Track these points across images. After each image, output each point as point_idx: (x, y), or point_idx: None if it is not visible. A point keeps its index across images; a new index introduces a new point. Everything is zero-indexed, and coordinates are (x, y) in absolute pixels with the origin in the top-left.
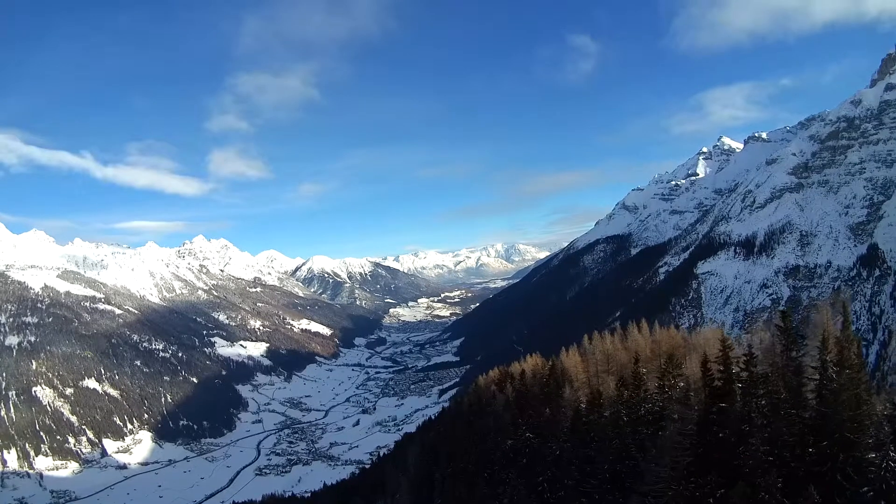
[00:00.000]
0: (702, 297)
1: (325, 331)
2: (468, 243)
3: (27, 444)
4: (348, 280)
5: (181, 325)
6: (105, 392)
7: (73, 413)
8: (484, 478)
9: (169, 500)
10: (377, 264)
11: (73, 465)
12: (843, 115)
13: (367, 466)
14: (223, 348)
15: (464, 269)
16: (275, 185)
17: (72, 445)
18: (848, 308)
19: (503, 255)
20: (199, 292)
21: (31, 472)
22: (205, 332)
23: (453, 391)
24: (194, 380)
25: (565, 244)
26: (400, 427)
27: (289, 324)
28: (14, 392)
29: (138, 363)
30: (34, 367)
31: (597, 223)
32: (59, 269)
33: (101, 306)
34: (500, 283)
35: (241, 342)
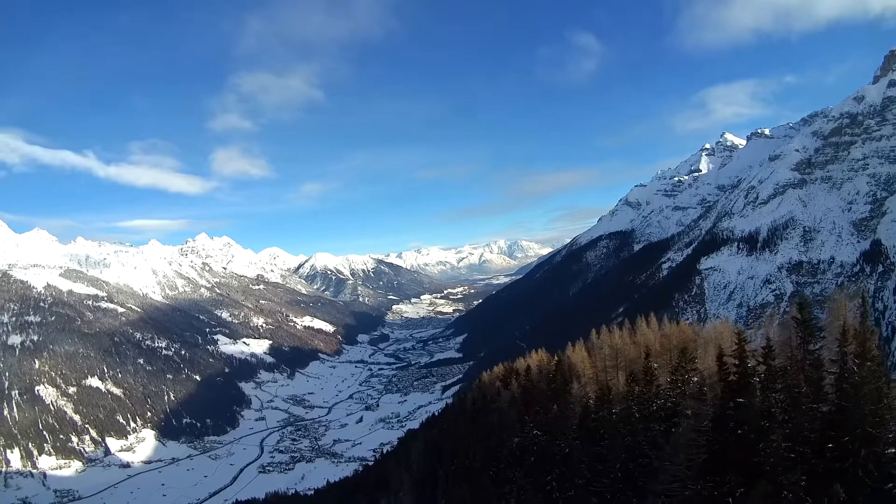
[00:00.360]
0: (705, 292)
1: (328, 328)
2: (471, 240)
3: (30, 444)
4: (351, 277)
5: (184, 323)
6: (108, 390)
7: (76, 412)
8: (489, 476)
9: (172, 499)
10: (380, 261)
11: (77, 465)
12: (846, 111)
13: (371, 463)
14: (226, 346)
15: (466, 265)
16: (277, 185)
17: (75, 444)
18: (867, 300)
19: (506, 252)
20: (202, 290)
21: (34, 471)
22: (207, 329)
23: (456, 387)
24: (197, 377)
25: (568, 240)
26: (403, 424)
27: (292, 321)
28: (17, 391)
29: (141, 361)
30: (37, 366)
31: (599, 219)
32: (61, 267)
33: (104, 305)
34: (502, 280)
35: (244, 339)
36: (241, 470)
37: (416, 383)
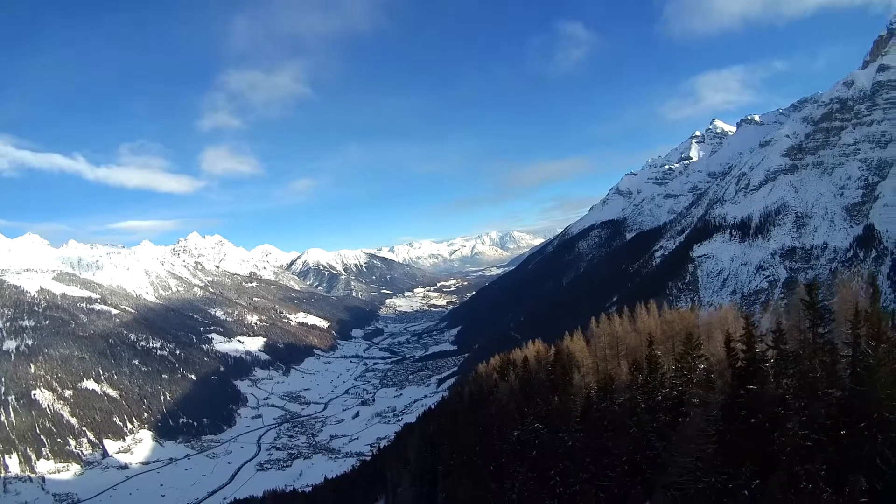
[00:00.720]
0: (698, 280)
1: (322, 323)
2: (463, 232)
3: (28, 448)
4: (344, 272)
5: (178, 323)
6: (104, 392)
7: (72, 415)
8: (490, 471)
9: (171, 499)
10: (372, 255)
11: (75, 468)
12: (836, 96)
13: (368, 459)
14: (220, 344)
15: (459, 257)
16: (268, 182)
17: (73, 447)
18: (876, 281)
19: (498, 243)
20: (195, 289)
21: (32, 476)
22: (202, 328)
23: (452, 380)
24: (193, 377)
25: (560, 230)
26: (400, 417)
27: (285, 317)
28: (13, 396)
29: (136, 362)
30: (32, 370)
31: (591, 209)
32: (54, 271)
33: (98, 307)
34: (495, 271)
35: (239, 337)
36: (239, 468)
37: (411, 377)
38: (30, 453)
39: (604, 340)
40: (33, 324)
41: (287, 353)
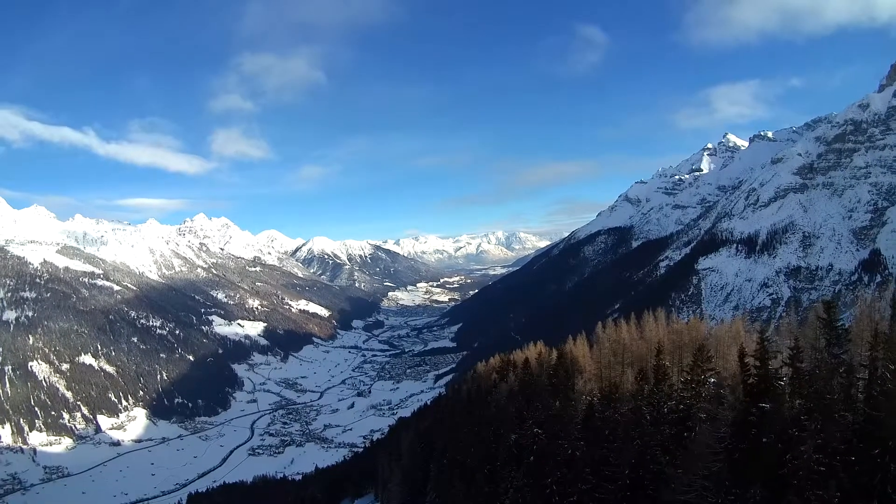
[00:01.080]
0: (702, 292)
1: (323, 312)
2: (469, 230)
3: (22, 420)
4: (348, 262)
5: (179, 303)
6: (101, 368)
7: (68, 389)
8: (484, 474)
9: (161, 478)
10: (377, 247)
11: (67, 441)
12: (850, 118)
13: (360, 451)
14: (220, 327)
15: (464, 254)
16: (277, 167)
17: (66, 421)
18: None
19: (503, 243)
20: (199, 270)
21: (24, 447)
22: (203, 310)
23: (449, 377)
24: (191, 358)
25: (566, 234)
26: (395, 411)
27: (287, 304)
28: (10, 367)
29: (135, 340)
30: (31, 342)
31: (599, 214)
32: (58, 244)
33: (100, 282)
34: (499, 271)
35: (239, 321)
36: (231, 452)
37: (408, 371)
38: (23, 424)
39: (608, 347)
40: (34, 296)
41: (286, 339)
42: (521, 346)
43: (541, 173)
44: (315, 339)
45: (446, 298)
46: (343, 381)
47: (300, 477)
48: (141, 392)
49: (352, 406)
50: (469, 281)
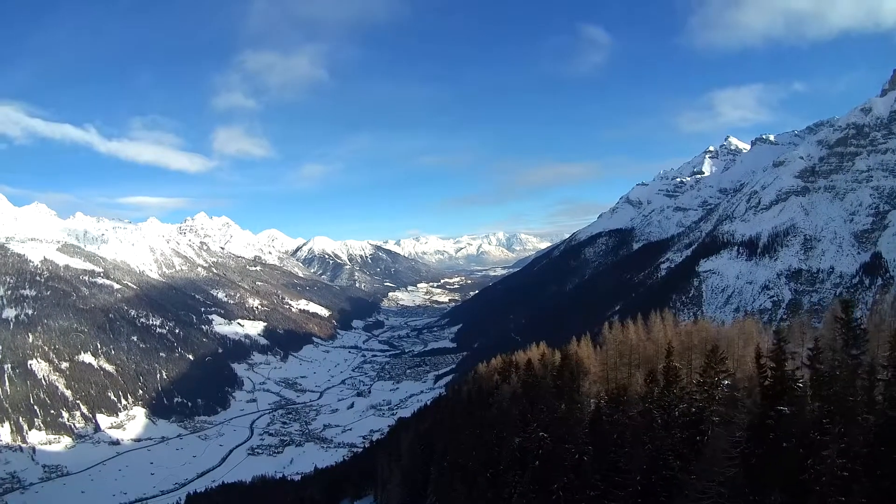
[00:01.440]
0: (702, 295)
1: (324, 312)
2: (470, 231)
3: (21, 418)
4: (348, 262)
5: (179, 302)
6: (100, 367)
7: (67, 387)
8: (486, 478)
9: (160, 478)
10: (378, 247)
11: (66, 440)
12: (852, 121)
13: (360, 451)
14: (220, 326)
15: (464, 255)
16: (279, 165)
17: (65, 420)
18: None
19: (504, 244)
20: (199, 269)
21: (23, 445)
22: (203, 309)
23: (449, 377)
24: (190, 357)
25: (567, 235)
26: (394, 411)
27: (287, 303)
28: (9, 365)
29: (135, 339)
30: (30, 340)
31: (600, 216)
32: (59, 242)
33: (100, 281)
34: (500, 272)
35: (239, 320)
36: (230, 451)
37: (408, 371)
38: (22, 423)
39: (614, 348)
40: (34, 294)
41: (286, 339)
42: (521, 347)
43: (542, 174)
44: (315, 339)
45: (447, 299)
46: (343, 381)
47: (299, 477)
48: (140, 391)
49: (351, 406)
50: (469, 282)
